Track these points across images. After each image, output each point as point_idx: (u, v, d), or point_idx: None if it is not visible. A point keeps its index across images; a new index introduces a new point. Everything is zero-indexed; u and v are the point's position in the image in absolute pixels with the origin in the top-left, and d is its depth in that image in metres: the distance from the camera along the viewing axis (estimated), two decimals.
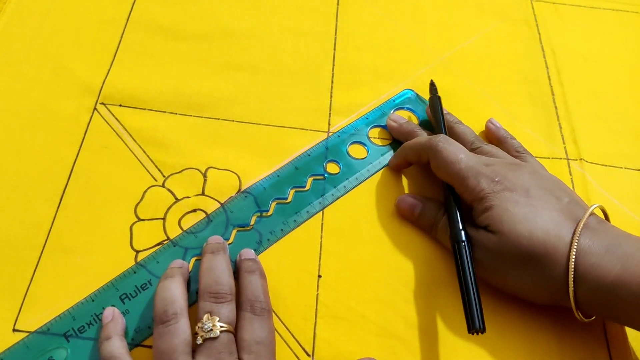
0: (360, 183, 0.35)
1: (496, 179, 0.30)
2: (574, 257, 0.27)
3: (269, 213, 0.33)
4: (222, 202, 0.34)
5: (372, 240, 0.33)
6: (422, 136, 0.35)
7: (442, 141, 0.32)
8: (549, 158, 0.37)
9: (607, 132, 0.39)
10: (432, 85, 0.38)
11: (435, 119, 0.36)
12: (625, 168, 0.38)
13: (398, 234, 0.33)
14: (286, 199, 0.34)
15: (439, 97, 0.37)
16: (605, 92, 0.41)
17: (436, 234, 0.33)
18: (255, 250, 0.32)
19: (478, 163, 0.31)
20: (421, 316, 0.31)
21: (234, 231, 0.33)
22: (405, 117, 0.38)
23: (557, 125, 0.39)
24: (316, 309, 0.31)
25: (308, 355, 0.29)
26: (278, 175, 0.35)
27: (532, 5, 0.46)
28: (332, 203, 0.34)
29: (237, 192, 0.34)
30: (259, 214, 0.33)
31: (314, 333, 0.30)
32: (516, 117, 0.39)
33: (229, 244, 0.32)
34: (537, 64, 0.42)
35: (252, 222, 0.33)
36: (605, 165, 0.37)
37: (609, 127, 0.39)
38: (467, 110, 0.39)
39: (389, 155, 0.36)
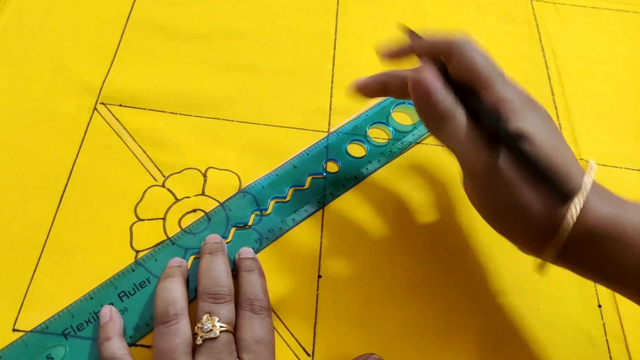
0: (359, 182, 0.35)
1: (523, 96, 0.27)
2: (586, 191, 0.25)
3: (268, 212, 0.33)
4: (222, 201, 0.34)
5: (372, 240, 0.33)
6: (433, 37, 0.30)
7: (468, 43, 0.28)
8: None
9: (608, 132, 0.39)
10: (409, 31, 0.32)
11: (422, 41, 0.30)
12: (625, 168, 0.38)
13: (398, 234, 0.33)
14: (285, 197, 0.34)
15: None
16: (606, 92, 0.41)
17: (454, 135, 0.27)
18: (254, 249, 0.32)
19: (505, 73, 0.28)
20: (421, 316, 0.31)
21: (233, 230, 0.33)
22: (408, 117, 0.38)
23: (557, 125, 0.39)
24: (316, 309, 0.31)
25: (308, 355, 0.29)
26: (277, 174, 0.35)
27: (532, 5, 0.46)
28: (331, 202, 0.34)
29: (237, 192, 0.34)
30: (258, 212, 0.33)
31: (314, 333, 0.30)
32: None
33: (227, 243, 0.32)
34: (537, 64, 0.42)
35: (251, 221, 0.33)
36: (606, 166, 0.37)
37: (610, 127, 0.39)
38: None
39: (389, 155, 0.36)
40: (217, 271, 0.29)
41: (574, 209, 0.25)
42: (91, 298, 0.30)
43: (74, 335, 0.28)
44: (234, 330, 0.27)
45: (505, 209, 0.26)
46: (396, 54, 0.31)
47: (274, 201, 0.34)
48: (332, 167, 0.36)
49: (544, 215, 0.25)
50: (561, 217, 0.25)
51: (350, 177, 0.35)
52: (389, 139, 0.37)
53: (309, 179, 0.35)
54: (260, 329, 0.27)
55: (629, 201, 0.26)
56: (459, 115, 0.26)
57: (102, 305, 0.29)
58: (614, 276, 0.26)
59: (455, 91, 0.27)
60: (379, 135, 0.38)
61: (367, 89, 0.32)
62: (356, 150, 0.37)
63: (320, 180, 0.35)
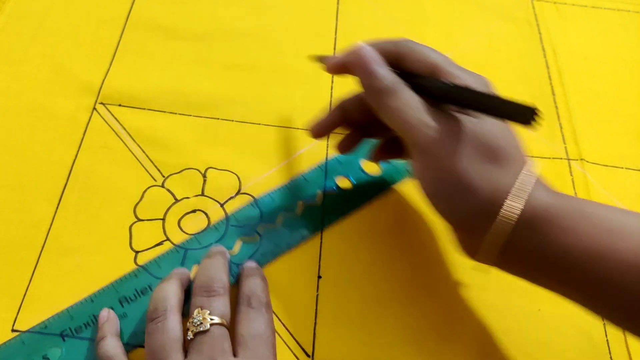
0: (372, 200, 0.34)
1: (481, 79, 0.28)
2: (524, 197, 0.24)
3: (276, 225, 0.33)
4: (222, 202, 0.34)
5: (372, 241, 0.33)
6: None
7: (412, 41, 0.28)
8: (549, 158, 0.37)
9: (608, 132, 0.39)
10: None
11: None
12: (626, 168, 0.37)
13: (399, 234, 0.33)
14: (294, 211, 0.33)
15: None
16: (607, 92, 0.41)
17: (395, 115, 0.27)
18: (258, 261, 0.31)
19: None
20: (421, 317, 0.31)
21: (239, 241, 0.32)
22: None
23: (558, 125, 0.39)
24: (316, 309, 0.31)
25: (308, 355, 0.29)
26: (287, 187, 0.34)
27: (533, 5, 0.46)
28: (340, 219, 0.33)
29: (236, 193, 0.34)
30: (265, 225, 0.33)
31: (314, 333, 0.30)
32: None
33: (233, 254, 0.32)
34: (538, 64, 0.42)
35: (257, 233, 0.32)
36: (607, 166, 0.37)
37: (610, 127, 0.39)
38: None
39: (406, 173, 0.35)
40: (213, 268, 0.29)
41: (519, 187, 0.24)
42: (92, 301, 0.29)
43: (71, 336, 0.28)
44: (231, 327, 0.27)
45: (450, 185, 0.26)
46: (340, 70, 0.30)
47: (282, 215, 0.33)
48: (344, 182, 0.35)
49: (487, 194, 0.25)
50: (503, 197, 0.24)
51: (363, 195, 0.34)
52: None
53: (320, 194, 0.34)
54: (257, 324, 0.27)
55: (571, 195, 0.26)
56: (404, 90, 0.26)
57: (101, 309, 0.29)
58: (557, 269, 0.25)
59: (404, 78, 0.27)
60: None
61: (324, 126, 0.32)
62: (371, 166, 0.36)
63: (332, 195, 0.34)
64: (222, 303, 0.27)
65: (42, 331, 0.28)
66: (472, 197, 0.25)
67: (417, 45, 0.28)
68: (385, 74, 0.27)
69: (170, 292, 0.27)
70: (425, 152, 0.26)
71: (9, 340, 0.28)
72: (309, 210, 0.33)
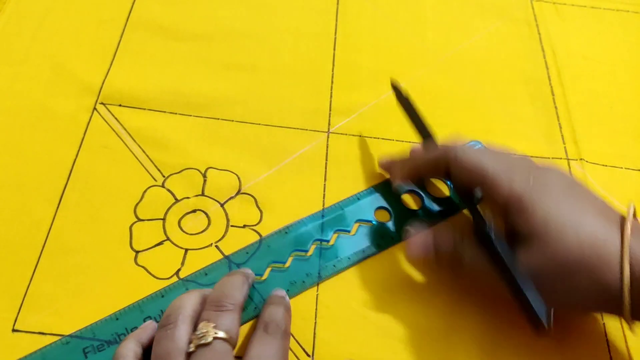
0: (413, 233, 0.32)
1: (530, 175, 0.27)
2: (628, 260, 0.25)
3: (308, 254, 0.32)
4: (222, 202, 0.34)
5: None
6: (431, 149, 0.32)
7: (459, 149, 0.29)
8: (549, 158, 0.37)
9: (608, 132, 0.39)
10: (396, 89, 0.35)
11: (416, 124, 0.34)
12: (625, 168, 0.37)
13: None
14: (328, 241, 0.32)
15: (408, 100, 0.35)
16: (606, 92, 0.41)
17: (464, 269, 0.29)
18: (287, 291, 0.30)
19: (505, 157, 0.29)
20: (421, 316, 0.31)
21: (269, 268, 0.31)
22: None
23: (557, 126, 0.39)
24: (316, 309, 0.31)
25: (308, 355, 0.29)
26: (322, 215, 0.33)
27: (532, 5, 0.46)
28: (377, 254, 0.32)
29: (236, 193, 0.34)
30: (297, 253, 0.32)
31: (314, 333, 0.30)
32: (516, 117, 0.39)
33: (261, 280, 0.31)
34: (537, 64, 0.42)
35: (289, 261, 0.31)
36: (606, 166, 0.37)
37: (610, 127, 0.39)
38: (467, 110, 0.39)
39: (446, 208, 0.34)
40: (229, 284, 0.28)
41: (626, 292, 0.25)
42: (117, 319, 0.29)
43: (93, 353, 0.28)
44: (243, 348, 0.26)
45: (554, 302, 0.27)
46: (403, 180, 0.33)
47: (315, 244, 0.32)
48: (382, 215, 0.34)
49: (596, 302, 0.26)
50: (615, 296, 0.25)
51: (402, 229, 0.32)
52: (449, 194, 0.35)
53: (356, 226, 0.33)
54: (269, 348, 0.26)
55: None
56: (468, 253, 0.29)
57: (126, 328, 0.29)
58: None
59: (465, 196, 0.30)
60: (435, 191, 0.35)
61: (402, 179, 0.33)
62: (412, 200, 0.35)
63: (369, 227, 0.33)
64: (230, 319, 0.26)
65: (65, 344, 0.28)
66: (589, 304, 0.27)
67: (462, 158, 0.29)
68: (441, 251, 0.30)
69: (187, 302, 0.27)
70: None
71: (30, 355, 0.28)
72: (342, 241, 0.32)
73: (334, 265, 0.31)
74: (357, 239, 0.33)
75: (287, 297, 0.30)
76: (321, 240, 0.32)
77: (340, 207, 0.34)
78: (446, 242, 0.30)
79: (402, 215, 0.34)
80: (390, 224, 0.33)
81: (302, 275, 0.31)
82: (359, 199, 0.34)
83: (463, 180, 0.29)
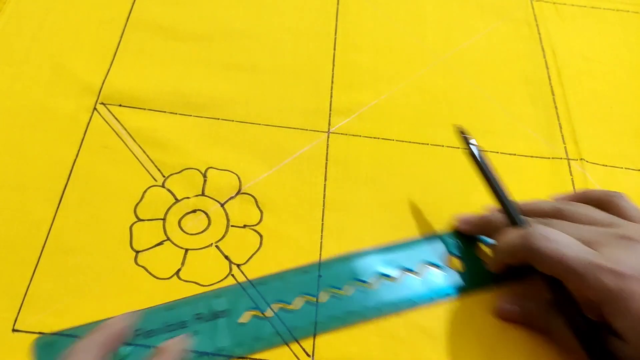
0: (476, 291, 0.31)
1: (618, 269, 0.25)
2: None
3: (343, 292, 0.31)
4: (222, 202, 0.34)
5: (372, 241, 0.33)
6: (508, 231, 0.29)
7: (536, 237, 0.27)
8: (549, 158, 0.37)
9: (608, 132, 0.39)
10: (463, 134, 0.33)
11: (495, 192, 0.31)
12: (626, 168, 0.38)
13: (397, 233, 0.33)
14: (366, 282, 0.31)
15: (483, 161, 0.31)
16: (606, 92, 0.41)
17: (554, 337, 0.29)
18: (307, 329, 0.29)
19: (588, 253, 0.26)
20: (421, 316, 0.31)
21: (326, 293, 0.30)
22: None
23: (558, 126, 0.39)
24: (316, 309, 0.31)
25: (308, 355, 0.29)
26: (388, 249, 0.32)
27: (532, 5, 0.46)
28: (429, 304, 0.31)
29: (236, 193, 0.34)
30: (358, 283, 0.31)
31: (314, 333, 0.30)
32: (516, 118, 0.39)
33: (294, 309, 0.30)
34: (537, 64, 0.42)
35: (346, 291, 0.31)
36: (606, 166, 0.37)
37: (610, 127, 0.39)
38: (467, 111, 0.39)
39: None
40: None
41: None
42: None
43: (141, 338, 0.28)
44: None
45: None
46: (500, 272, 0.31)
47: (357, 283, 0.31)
48: (454, 262, 0.32)
49: None
50: None
51: (473, 287, 0.31)
52: None
53: (421, 266, 0.32)
54: None
55: None
56: (556, 325, 0.29)
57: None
58: None
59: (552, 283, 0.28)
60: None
61: (498, 271, 0.31)
62: (485, 253, 0.33)
63: (434, 272, 0.32)
64: None
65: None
66: None
67: (540, 250, 0.27)
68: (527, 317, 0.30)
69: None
70: None
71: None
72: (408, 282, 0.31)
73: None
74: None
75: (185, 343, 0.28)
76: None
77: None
78: (534, 311, 0.30)
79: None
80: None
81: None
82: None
83: (544, 269, 0.28)
